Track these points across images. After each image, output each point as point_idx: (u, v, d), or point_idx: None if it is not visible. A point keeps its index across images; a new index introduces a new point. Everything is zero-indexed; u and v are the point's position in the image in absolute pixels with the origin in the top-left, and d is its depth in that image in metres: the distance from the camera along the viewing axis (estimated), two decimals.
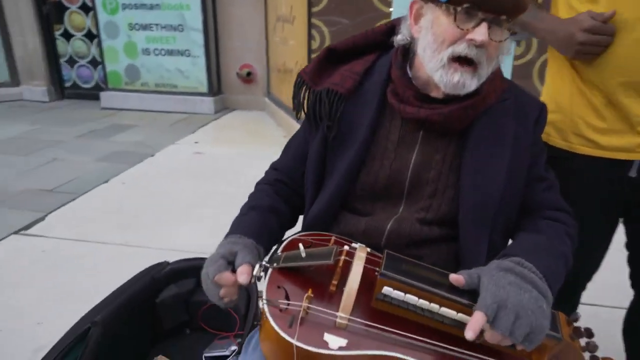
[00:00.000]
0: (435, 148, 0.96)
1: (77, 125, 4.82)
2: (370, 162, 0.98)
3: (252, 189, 1.12)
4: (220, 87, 5.51)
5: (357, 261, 0.86)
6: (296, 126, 1.97)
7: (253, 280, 0.86)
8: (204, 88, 5.32)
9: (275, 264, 0.89)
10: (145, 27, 5.22)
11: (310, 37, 3.87)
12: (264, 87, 5.45)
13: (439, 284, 0.80)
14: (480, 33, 0.83)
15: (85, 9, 5.59)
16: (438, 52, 0.87)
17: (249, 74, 5.33)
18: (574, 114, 1.11)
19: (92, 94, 5.79)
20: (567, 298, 1.22)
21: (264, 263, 0.89)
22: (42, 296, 2.08)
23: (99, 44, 5.41)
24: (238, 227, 0.99)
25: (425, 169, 0.96)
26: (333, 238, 0.96)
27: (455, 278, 0.79)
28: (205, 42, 5.14)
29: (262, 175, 1.15)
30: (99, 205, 3.02)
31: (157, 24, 5.19)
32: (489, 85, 0.94)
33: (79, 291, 2.07)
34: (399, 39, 0.98)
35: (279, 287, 0.86)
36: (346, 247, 0.90)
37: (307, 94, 1.04)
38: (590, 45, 1.00)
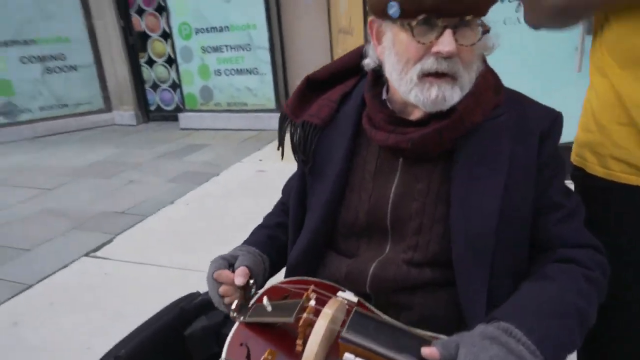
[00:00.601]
0: (416, 176, 0.83)
1: (156, 147, 5.14)
2: (349, 196, 0.88)
3: None
4: None
5: (321, 320, 0.74)
6: None
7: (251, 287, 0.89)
8: (272, 104, 5.41)
9: (242, 317, 0.85)
10: (216, 49, 5.44)
11: None
12: None
13: (410, 349, 0.67)
14: (445, 43, 0.71)
15: (165, 36, 5.97)
16: (405, 72, 0.77)
17: None
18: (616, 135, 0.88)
19: (173, 116, 6.17)
20: None
21: (232, 314, 0.86)
22: (94, 319, 2.18)
23: (177, 68, 5.75)
24: (246, 241, 1.03)
25: (407, 201, 0.83)
26: (311, 287, 0.85)
27: (429, 352, 0.65)
28: (272, 59, 5.22)
29: None
30: (162, 227, 3.14)
31: (226, 45, 5.38)
32: (473, 101, 0.79)
33: (132, 315, 2.14)
34: (367, 62, 0.87)
35: (241, 344, 0.81)
36: (312, 302, 0.79)
37: (290, 127, 0.98)
38: None
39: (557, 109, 0.85)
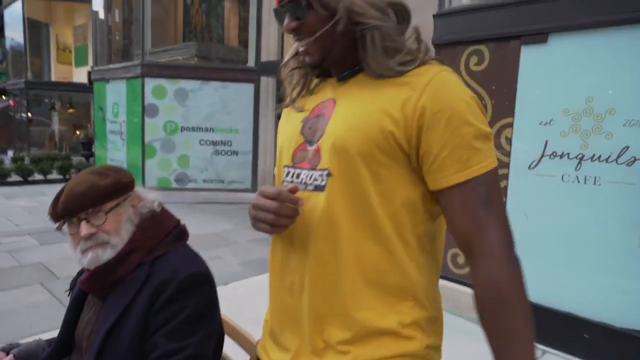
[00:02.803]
0: (94, 309, 1.20)
1: None
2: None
3: None
4: None
5: None
6: None
7: None
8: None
9: None
10: None
11: None
12: None
13: None
14: (83, 229, 1.13)
15: None
16: (75, 253, 1.18)
17: None
18: None
19: None
20: None
21: None
22: None
23: None
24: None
25: (86, 327, 1.18)
26: None
27: None
28: None
29: None
30: None
31: None
32: (124, 256, 1.16)
33: None
34: None
35: None
36: None
37: None
38: (255, 220, 0.92)
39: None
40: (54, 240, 5.07)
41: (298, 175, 0.95)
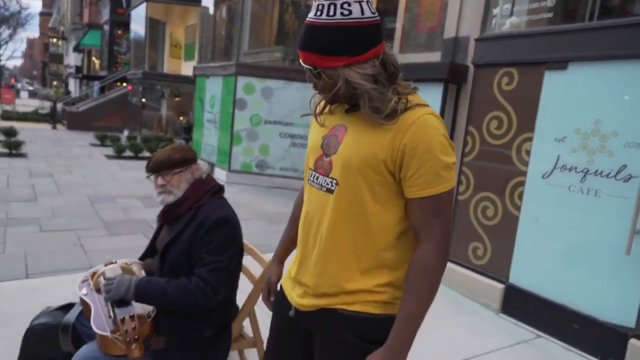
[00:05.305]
0: (164, 232, 2.02)
1: None
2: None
3: None
4: None
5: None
6: None
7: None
8: None
9: None
10: None
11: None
12: None
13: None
14: (157, 181, 1.91)
15: None
16: (154, 194, 1.96)
17: None
18: None
19: None
20: None
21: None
22: None
23: None
24: None
25: (160, 241, 2.01)
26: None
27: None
28: None
29: None
30: None
31: None
32: (182, 203, 1.91)
33: None
34: None
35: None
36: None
37: None
38: None
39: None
40: (155, 204, 6.25)
41: (317, 178, 1.25)
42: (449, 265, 4.19)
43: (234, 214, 1.93)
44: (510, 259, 3.70)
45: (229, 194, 2.07)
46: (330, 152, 1.21)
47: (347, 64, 1.10)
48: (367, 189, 1.16)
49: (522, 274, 3.62)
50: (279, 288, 1.47)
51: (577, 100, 3.29)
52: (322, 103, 1.30)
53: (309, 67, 1.14)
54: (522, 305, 3.57)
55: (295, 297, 1.32)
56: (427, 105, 1.17)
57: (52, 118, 17.30)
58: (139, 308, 1.73)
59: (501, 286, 3.72)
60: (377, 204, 1.17)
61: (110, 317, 1.67)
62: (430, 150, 1.10)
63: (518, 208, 3.66)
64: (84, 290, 1.85)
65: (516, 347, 3.21)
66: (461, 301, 3.90)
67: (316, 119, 1.30)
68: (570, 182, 3.30)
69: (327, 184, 1.21)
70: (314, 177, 1.27)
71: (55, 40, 40.71)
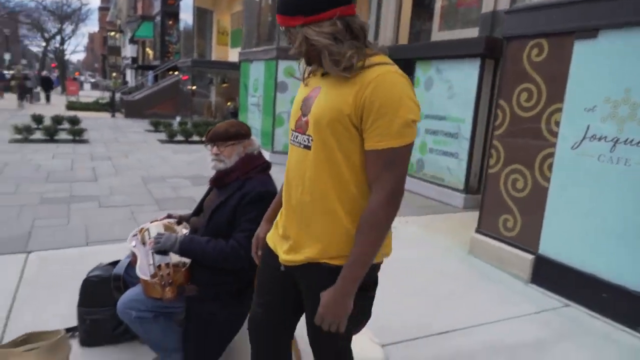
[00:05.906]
0: (212, 195, 2.27)
1: None
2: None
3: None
4: (480, 189, 6.22)
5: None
6: None
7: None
8: (460, 185, 6.23)
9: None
10: (434, 132, 6.68)
11: None
12: None
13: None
14: (213, 150, 2.14)
15: None
16: (209, 160, 2.19)
17: None
18: None
19: None
20: None
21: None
22: None
23: None
24: None
25: (207, 203, 2.27)
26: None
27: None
28: (470, 149, 6.08)
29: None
30: None
31: (441, 131, 6.56)
32: (230, 172, 2.13)
33: None
34: None
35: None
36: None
37: None
38: None
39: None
40: (203, 183, 6.65)
41: (296, 137, 1.35)
42: (479, 237, 4.27)
43: (276, 190, 2.07)
44: (539, 230, 3.72)
45: (273, 174, 2.22)
46: (307, 112, 1.31)
47: (305, 23, 1.21)
48: (336, 143, 1.24)
49: (552, 245, 3.64)
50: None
51: (606, 69, 3.25)
52: (306, 70, 1.41)
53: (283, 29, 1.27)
54: (551, 276, 3.60)
55: (282, 253, 1.43)
56: (391, 64, 1.24)
57: (111, 107, 18.39)
58: (175, 258, 2.00)
59: (531, 257, 3.75)
60: (344, 155, 1.25)
61: (150, 264, 1.95)
62: (387, 105, 1.16)
63: (547, 179, 3.66)
64: (133, 243, 2.15)
65: (543, 314, 3.26)
66: (490, 272, 3.97)
67: (303, 82, 1.40)
68: (600, 152, 3.28)
69: (305, 141, 1.31)
70: (294, 137, 1.38)
71: (113, 33, 42.77)
